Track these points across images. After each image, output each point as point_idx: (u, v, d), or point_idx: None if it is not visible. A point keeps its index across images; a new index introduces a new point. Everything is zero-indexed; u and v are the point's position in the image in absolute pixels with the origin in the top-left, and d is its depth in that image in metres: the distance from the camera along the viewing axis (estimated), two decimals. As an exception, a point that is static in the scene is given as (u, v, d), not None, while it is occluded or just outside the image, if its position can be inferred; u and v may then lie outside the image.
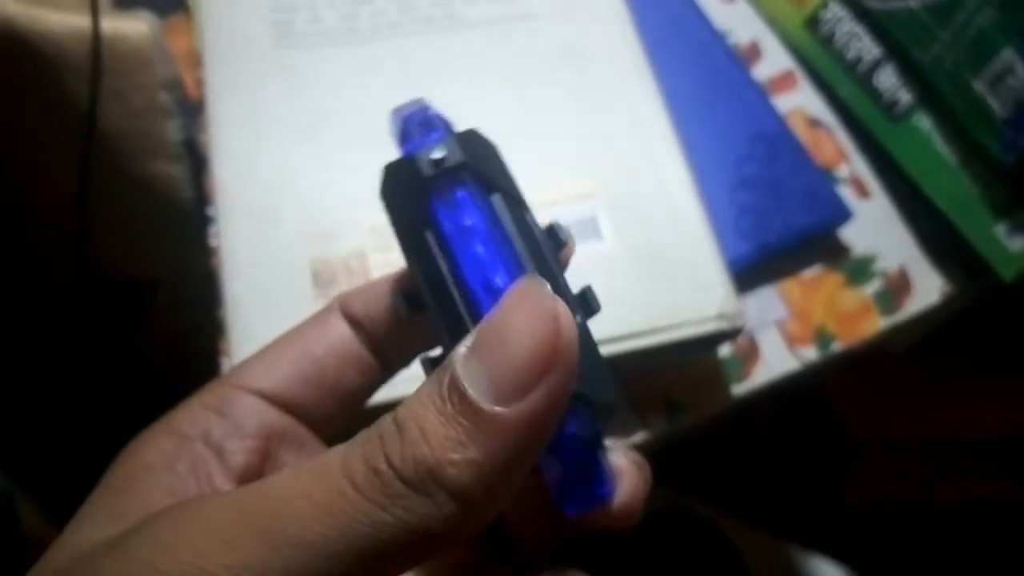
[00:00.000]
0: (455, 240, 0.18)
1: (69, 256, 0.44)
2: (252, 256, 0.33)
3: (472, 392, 0.15)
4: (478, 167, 0.18)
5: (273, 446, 0.21)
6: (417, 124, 0.19)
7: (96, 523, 0.18)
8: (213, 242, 0.35)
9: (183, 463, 0.19)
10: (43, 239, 0.45)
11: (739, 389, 0.39)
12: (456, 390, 0.15)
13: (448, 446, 0.15)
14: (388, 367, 0.22)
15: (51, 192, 0.43)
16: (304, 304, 0.33)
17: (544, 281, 0.16)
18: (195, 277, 0.38)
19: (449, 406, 0.15)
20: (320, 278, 0.33)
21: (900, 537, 0.60)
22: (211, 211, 0.35)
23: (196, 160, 0.41)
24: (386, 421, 0.16)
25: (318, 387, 0.21)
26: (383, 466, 0.15)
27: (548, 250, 0.19)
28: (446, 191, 0.18)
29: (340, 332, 0.22)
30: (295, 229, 0.34)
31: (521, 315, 0.15)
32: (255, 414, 0.20)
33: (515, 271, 0.18)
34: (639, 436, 0.37)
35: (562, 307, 0.15)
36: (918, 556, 0.60)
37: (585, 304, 0.19)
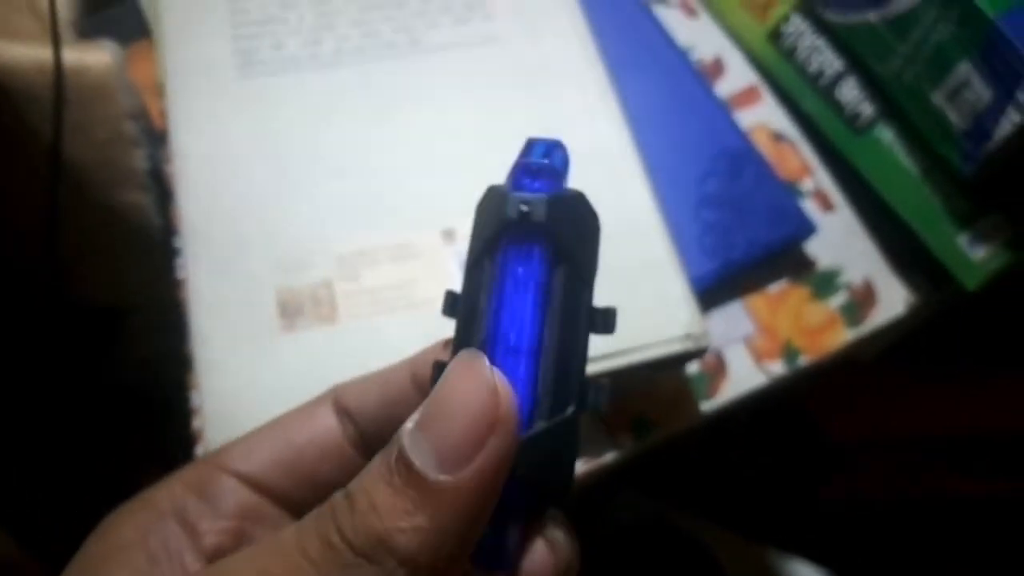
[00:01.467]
0: (500, 282, 0.19)
1: (39, 284, 0.44)
2: (218, 288, 0.34)
3: (418, 463, 0.16)
4: (557, 232, 0.19)
5: (248, 526, 0.21)
6: (534, 167, 0.20)
7: None
8: (180, 274, 0.35)
9: (156, 540, 0.20)
10: (12, 267, 0.45)
11: (707, 406, 0.39)
12: (403, 462, 0.16)
13: (396, 515, 0.16)
14: None
15: (19, 222, 0.42)
16: (271, 335, 0.33)
17: (482, 356, 0.17)
18: (165, 304, 0.38)
19: (397, 478, 0.16)
20: (287, 308, 0.34)
21: (876, 538, 0.60)
22: (177, 242, 0.35)
23: (163, 188, 0.41)
24: (337, 496, 0.17)
25: (295, 475, 0.22)
26: (335, 538, 0.16)
27: (583, 332, 0.20)
28: (518, 239, 0.19)
29: (326, 424, 0.22)
30: (261, 259, 0.34)
31: (462, 390, 0.16)
32: (232, 495, 0.21)
33: (532, 337, 0.19)
34: (609, 456, 0.38)
35: (500, 380, 0.17)
36: (895, 556, 0.61)
37: (582, 397, 0.20)
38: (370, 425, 0.22)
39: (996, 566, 0.60)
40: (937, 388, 0.57)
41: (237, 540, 0.21)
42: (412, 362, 0.22)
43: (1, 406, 0.47)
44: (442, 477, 0.16)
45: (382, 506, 0.16)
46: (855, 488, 0.62)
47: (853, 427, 0.61)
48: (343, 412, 0.22)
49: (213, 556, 0.20)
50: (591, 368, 0.33)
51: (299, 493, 0.22)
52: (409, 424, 0.16)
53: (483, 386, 0.16)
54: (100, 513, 0.22)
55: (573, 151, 0.38)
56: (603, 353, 0.33)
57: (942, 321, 0.46)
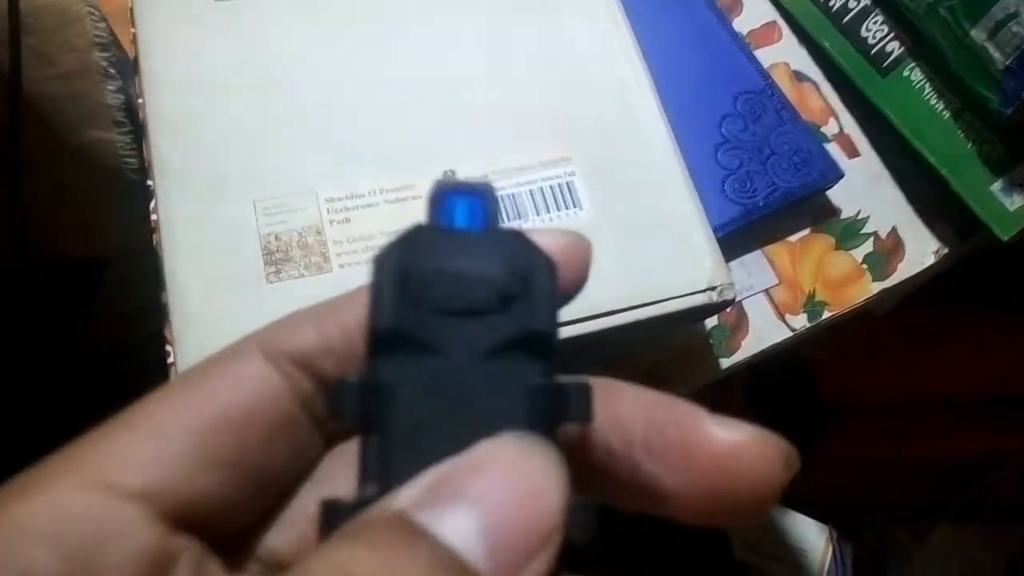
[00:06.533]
0: None
1: (2, 236, 0.41)
2: (196, 232, 0.31)
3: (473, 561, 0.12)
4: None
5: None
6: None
7: None
8: (153, 216, 0.32)
9: None
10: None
11: (727, 361, 0.37)
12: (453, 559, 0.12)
13: None
14: None
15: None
16: (255, 284, 0.30)
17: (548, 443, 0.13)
18: (143, 254, 0.35)
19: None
20: (273, 256, 0.31)
21: (875, 494, 0.60)
22: (150, 182, 0.32)
23: (138, 125, 0.38)
24: None
25: (224, 467, 0.14)
26: None
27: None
28: None
29: (260, 382, 0.15)
30: (242, 201, 0.31)
31: (533, 487, 0.13)
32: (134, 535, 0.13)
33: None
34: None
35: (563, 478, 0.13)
36: (893, 512, 0.60)
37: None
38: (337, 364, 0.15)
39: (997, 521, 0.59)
40: (936, 344, 0.56)
41: None
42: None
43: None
44: None
45: None
46: (853, 447, 0.61)
47: (852, 386, 0.60)
48: (289, 360, 0.15)
49: None
50: (606, 323, 0.30)
51: (234, 494, 0.14)
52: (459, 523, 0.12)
53: (553, 484, 0.12)
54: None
55: (587, 90, 0.35)
56: (621, 306, 0.30)
57: (948, 273, 0.44)
